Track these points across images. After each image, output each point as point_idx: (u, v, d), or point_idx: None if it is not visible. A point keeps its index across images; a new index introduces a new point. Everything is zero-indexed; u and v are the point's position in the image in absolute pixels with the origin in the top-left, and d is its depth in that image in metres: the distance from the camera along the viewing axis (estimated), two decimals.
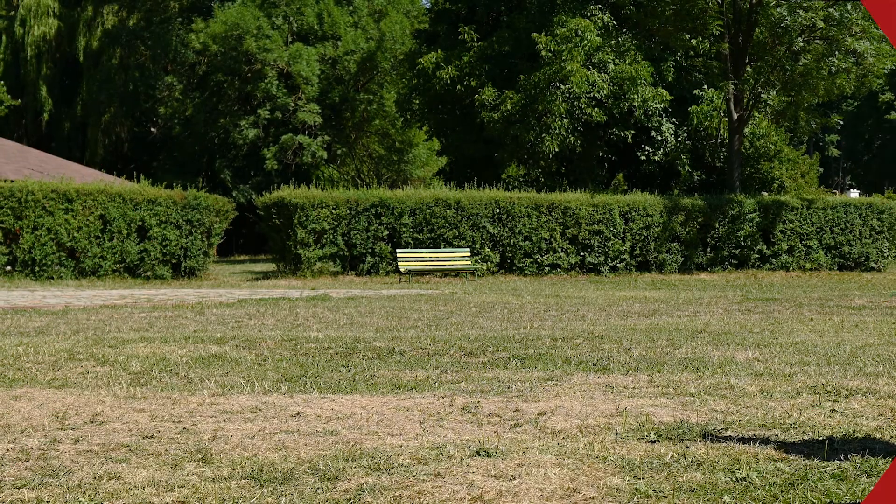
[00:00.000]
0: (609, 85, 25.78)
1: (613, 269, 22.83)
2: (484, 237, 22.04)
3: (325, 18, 42.33)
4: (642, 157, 28.31)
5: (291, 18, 41.70)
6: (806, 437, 3.99)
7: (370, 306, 12.52)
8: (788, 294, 15.44)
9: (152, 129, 46.60)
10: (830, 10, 24.83)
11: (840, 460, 3.57)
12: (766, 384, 5.42)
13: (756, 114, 27.91)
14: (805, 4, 24.51)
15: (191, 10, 43.95)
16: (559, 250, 22.49)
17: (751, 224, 24.01)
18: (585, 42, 25.39)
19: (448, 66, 27.50)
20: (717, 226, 23.86)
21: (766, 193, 27.10)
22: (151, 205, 20.51)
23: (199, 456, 3.71)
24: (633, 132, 27.39)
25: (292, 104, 40.73)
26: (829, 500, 3.04)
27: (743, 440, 3.95)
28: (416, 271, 21.04)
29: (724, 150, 27.72)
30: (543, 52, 25.17)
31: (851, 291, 16.31)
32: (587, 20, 25.87)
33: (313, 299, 14.02)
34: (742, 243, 24.06)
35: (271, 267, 24.02)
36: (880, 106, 55.19)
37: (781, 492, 3.15)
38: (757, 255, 24.20)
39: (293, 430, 4.23)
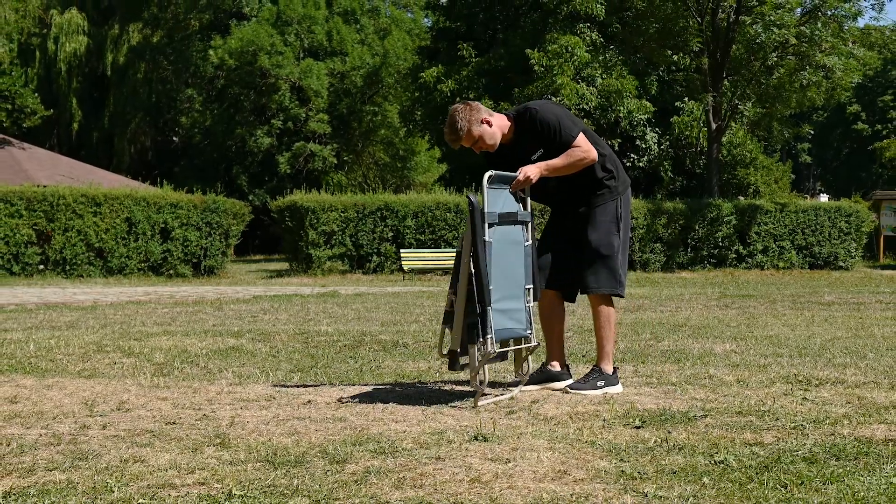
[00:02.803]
0: (597, 97, 25.80)
1: None
2: None
3: (334, 36, 42.34)
4: (628, 164, 28.30)
5: (303, 36, 41.71)
6: (779, 423, 3.99)
7: (376, 302, 12.52)
8: (763, 291, 15.45)
9: (174, 138, 46.64)
10: (802, 27, 24.85)
11: (811, 444, 3.57)
12: (742, 374, 5.42)
13: (733, 124, 27.92)
14: (779, 22, 24.52)
15: (210, 28, 43.98)
16: None
17: (728, 226, 24.00)
18: (575, 58, 25.40)
19: (448, 80, 27.51)
20: (696, 228, 23.85)
21: (742, 198, 27.11)
22: (173, 208, 20.52)
23: (218, 441, 3.71)
24: (619, 141, 27.39)
25: (304, 115, 40.74)
26: (800, 482, 3.04)
27: (721, 426, 3.95)
28: (419, 270, 21.04)
29: (703, 157, 27.73)
30: (536, 67, 25.17)
31: (821, 288, 16.31)
32: (577, 37, 25.89)
33: (323, 296, 14.02)
34: (720, 244, 24.06)
35: (284, 266, 24.02)
36: (848, 117, 55.20)
37: (756, 473, 3.15)
38: (734, 255, 24.20)
39: (305, 416, 4.23)
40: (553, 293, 4.95)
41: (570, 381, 4.93)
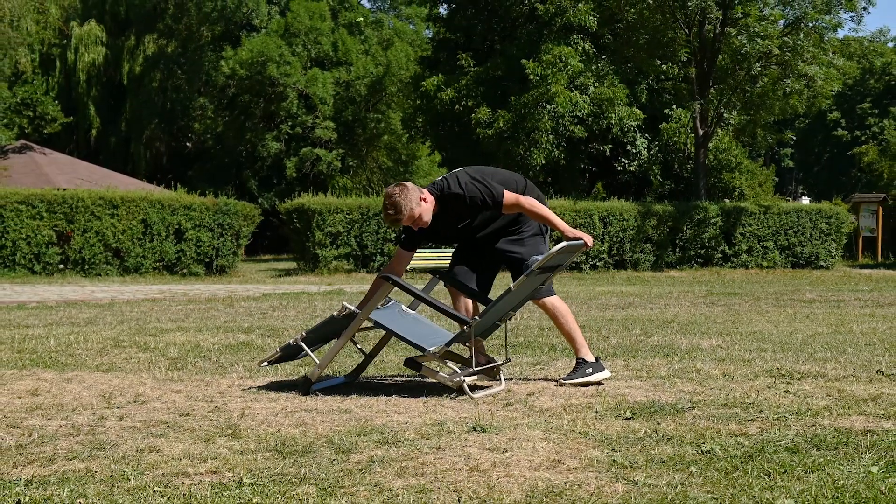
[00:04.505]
0: (589, 105, 25.78)
1: (594, 267, 22.84)
2: None
3: (340, 47, 42.34)
4: (619, 169, 28.31)
5: (309, 47, 41.70)
6: (763, 415, 4.00)
7: None
8: (747, 289, 15.45)
9: (188, 144, 46.61)
10: (785, 38, 24.84)
11: (793, 435, 3.57)
12: (728, 368, 5.42)
13: (719, 130, 27.91)
14: (763, 34, 24.51)
15: (221, 39, 43.97)
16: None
17: (714, 227, 24.00)
18: (569, 67, 25.39)
19: (448, 88, 27.49)
20: (684, 229, 23.85)
21: (727, 200, 27.09)
22: (187, 210, 20.52)
23: (229, 431, 3.72)
24: (610, 146, 27.39)
25: (310, 122, 40.73)
26: (783, 470, 3.05)
27: (707, 417, 3.95)
28: (420, 269, 21.03)
29: (690, 162, 27.72)
30: (532, 76, 25.16)
31: (803, 287, 16.31)
32: (570, 48, 25.87)
33: (329, 293, 14.02)
34: (707, 244, 24.05)
35: (292, 265, 24.02)
36: (828, 123, 55.21)
37: (741, 463, 3.15)
38: (720, 255, 24.20)
39: (312, 408, 4.24)
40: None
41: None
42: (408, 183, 4.76)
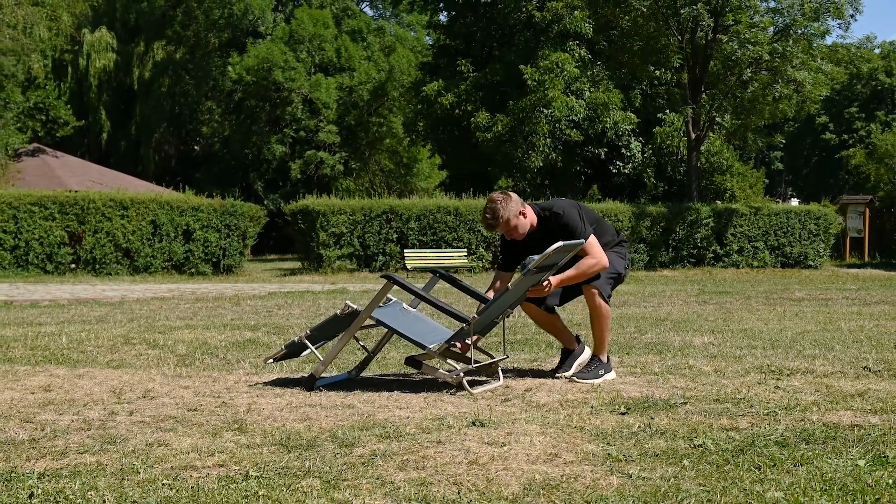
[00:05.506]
0: (585, 109, 25.79)
1: None
2: (478, 239, 22.04)
3: (343, 53, 42.34)
4: (614, 171, 28.31)
5: (313, 53, 41.70)
6: (753, 410, 4.00)
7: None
8: (738, 288, 15.44)
9: (195, 147, 46.61)
10: (775, 45, 24.85)
11: (783, 430, 3.57)
12: (719, 365, 5.42)
13: (711, 134, 27.91)
14: (753, 40, 24.51)
15: (228, 46, 43.98)
16: None
17: (706, 228, 23.99)
18: (565, 73, 25.40)
19: (448, 93, 27.50)
20: (677, 230, 23.84)
21: (719, 202, 27.09)
22: (195, 211, 20.51)
23: (236, 426, 3.72)
24: (605, 149, 27.40)
25: (314, 125, 40.73)
26: (773, 464, 3.05)
27: (700, 412, 3.95)
28: (421, 268, 21.03)
29: (683, 165, 27.72)
30: (529, 82, 25.17)
31: (792, 286, 16.31)
32: (566, 54, 25.89)
33: (333, 292, 14.02)
34: (699, 245, 24.04)
35: (297, 265, 24.02)
36: (817, 127, 55.22)
37: (732, 456, 3.15)
38: (711, 255, 24.19)
39: (316, 403, 4.24)
40: (536, 308, 5.10)
41: (587, 351, 5.12)
42: (513, 194, 4.82)
